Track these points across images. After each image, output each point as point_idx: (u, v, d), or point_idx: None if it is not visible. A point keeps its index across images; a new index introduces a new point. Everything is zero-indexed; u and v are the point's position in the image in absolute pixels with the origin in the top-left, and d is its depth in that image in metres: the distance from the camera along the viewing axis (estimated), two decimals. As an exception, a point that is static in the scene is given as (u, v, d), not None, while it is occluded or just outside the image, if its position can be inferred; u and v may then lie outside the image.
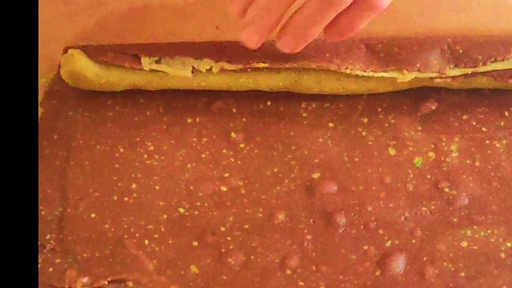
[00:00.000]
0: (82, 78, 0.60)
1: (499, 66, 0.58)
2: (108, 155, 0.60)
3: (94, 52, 0.60)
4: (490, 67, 0.58)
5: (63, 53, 0.62)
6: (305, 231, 0.55)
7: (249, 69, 0.59)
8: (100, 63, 0.60)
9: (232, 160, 0.59)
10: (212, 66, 0.59)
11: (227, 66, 0.59)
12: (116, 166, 0.59)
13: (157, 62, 0.59)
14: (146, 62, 0.59)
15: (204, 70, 0.59)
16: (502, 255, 0.53)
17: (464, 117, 0.60)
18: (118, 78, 0.60)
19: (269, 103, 0.62)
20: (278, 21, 0.53)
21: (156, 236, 0.55)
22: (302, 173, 0.58)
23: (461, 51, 0.58)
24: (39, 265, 0.54)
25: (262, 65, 0.58)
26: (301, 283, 0.53)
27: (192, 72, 0.59)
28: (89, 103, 0.62)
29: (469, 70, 0.58)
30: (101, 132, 0.61)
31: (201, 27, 0.63)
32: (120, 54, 0.60)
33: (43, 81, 0.64)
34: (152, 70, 0.59)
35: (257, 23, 0.53)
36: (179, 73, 0.59)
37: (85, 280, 0.53)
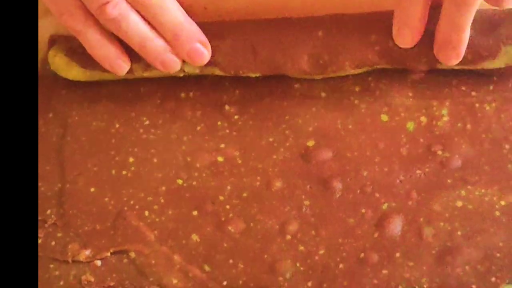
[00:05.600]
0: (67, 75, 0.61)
1: (489, 65, 0.57)
2: (104, 130, 0.60)
3: (81, 57, 0.60)
4: (479, 66, 0.57)
5: (48, 42, 0.62)
6: (303, 197, 0.56)
7: None
8: (84, 67, 0.60)
9: (227, 131, 0.59)
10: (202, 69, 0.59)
11: (217, 72, 0.59)
12: (113, 141, 0.59)
13: (148, 65, 0.59)
14: (138, 69, 0.59)
15: (194, 72, 0.59)
16: (497, 213, 0.54)
17: (454, 82, 0.60)
18: (107, 76, 0.61)
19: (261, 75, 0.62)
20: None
21: (155, 207, 0.56)
22: (297, 141, 0.58)
23: None
24: (41, 240, 0.55)
25: (253, 75, 0.59)
26: (301, 248, 0.54)
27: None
28: (82, 81, 0.62)
29: (456, 67, 0.58)
30: (96, 109, 0.61)
31: (189, 8, 0.63)
32: None
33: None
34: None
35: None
36: (171, 73, 0.60)
37: (87, 252, 0.54)
